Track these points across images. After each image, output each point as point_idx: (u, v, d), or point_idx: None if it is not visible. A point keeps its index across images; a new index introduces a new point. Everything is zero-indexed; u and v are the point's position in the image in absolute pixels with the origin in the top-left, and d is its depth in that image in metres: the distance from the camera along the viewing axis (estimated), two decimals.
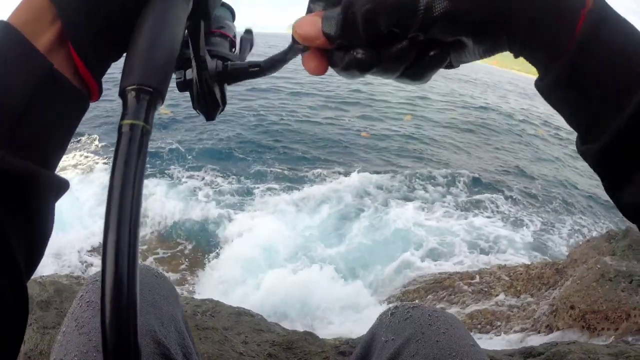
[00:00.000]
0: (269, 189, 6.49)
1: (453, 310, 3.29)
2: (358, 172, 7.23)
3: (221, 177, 6.80)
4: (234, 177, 6.81)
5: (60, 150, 0.32)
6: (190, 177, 6.64)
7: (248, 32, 0.56)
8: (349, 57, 0.32)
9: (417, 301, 3.60)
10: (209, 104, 0.43)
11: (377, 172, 7.37)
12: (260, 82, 13.82)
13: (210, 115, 0.46)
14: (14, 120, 0.28)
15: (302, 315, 3.65)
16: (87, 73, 0.32)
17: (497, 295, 3.06)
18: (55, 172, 0.32)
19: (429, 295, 3.64)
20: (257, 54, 0.48)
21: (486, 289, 3.27)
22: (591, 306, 1.77)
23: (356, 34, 0.30)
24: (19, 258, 0.28)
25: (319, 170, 7.35)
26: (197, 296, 2.54)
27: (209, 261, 4.65)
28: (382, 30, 0.30)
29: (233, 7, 0.56)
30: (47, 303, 1.94)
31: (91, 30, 0.32)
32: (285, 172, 7.25)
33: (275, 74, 0.48)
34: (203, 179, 6.65)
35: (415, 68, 0.33)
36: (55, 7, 0.30)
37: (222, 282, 4.12)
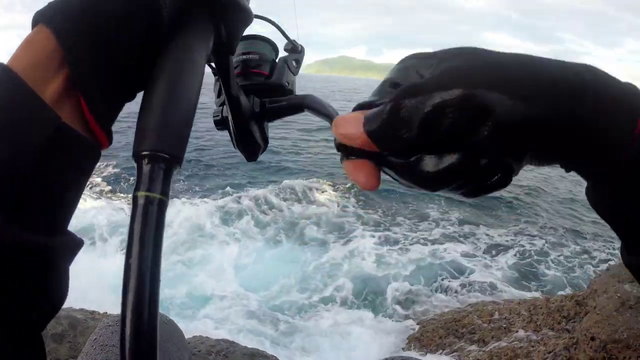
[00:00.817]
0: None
1: (472, 348, 3.16)
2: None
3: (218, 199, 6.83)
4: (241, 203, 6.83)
5: (72, 207, 0.29)
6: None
7: (291, 50, 0.51)
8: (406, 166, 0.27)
9: (441, 340, 3.48)
10: (248, 145, 0.39)
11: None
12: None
13: (250, 156, 0.41)
14: (21, 189, 0.24)
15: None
16: (97, 126, 0.29)
17: (516, 331, 2.94)
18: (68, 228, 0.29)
19: (450, 337, 3.51)
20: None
21: (505, 325, 3.15)
22: (612, 336, 1.70)
23: (404, 134, 0.25)
24: (37, 325, 0.27)
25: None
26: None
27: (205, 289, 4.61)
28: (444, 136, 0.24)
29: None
30: (61, 336, 1.96)
31: (102, 77, 0.28)
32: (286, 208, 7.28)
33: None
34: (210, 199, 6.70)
35: (473, 188, 0.27)
36: (64, 49, 0.26)
37: (232, 321, 4.06)
